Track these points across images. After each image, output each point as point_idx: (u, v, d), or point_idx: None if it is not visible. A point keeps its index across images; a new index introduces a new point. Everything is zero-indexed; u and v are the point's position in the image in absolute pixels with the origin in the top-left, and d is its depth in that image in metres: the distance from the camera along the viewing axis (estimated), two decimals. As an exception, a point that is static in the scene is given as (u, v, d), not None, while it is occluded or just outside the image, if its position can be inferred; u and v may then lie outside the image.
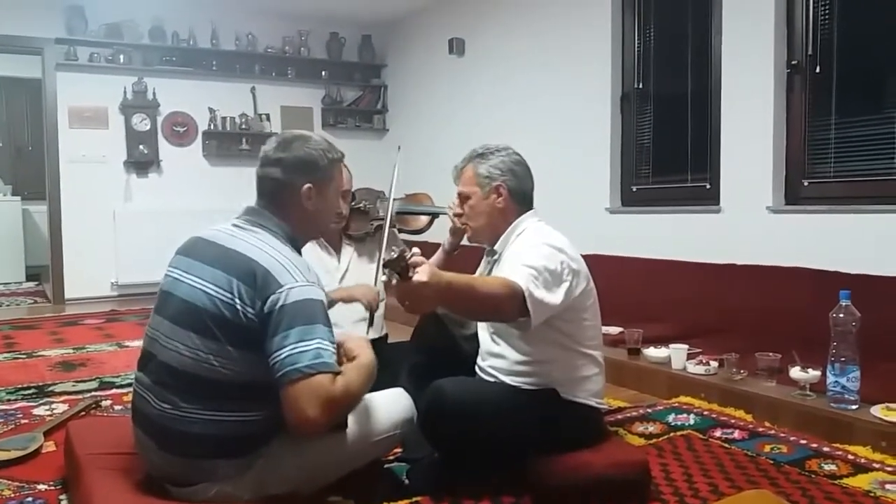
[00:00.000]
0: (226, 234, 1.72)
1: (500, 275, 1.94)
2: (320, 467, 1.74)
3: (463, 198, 2.22)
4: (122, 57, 6.07)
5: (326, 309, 1.62)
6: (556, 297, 1.90)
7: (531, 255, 1.94)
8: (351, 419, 1.76)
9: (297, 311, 1.55)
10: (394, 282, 1.67)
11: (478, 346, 2.23)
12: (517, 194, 2.18)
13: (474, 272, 2.39)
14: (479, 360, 2.21)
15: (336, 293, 2.47)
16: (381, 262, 1.66)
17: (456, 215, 2.28)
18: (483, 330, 2.21)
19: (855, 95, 3.30)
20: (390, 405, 1.91)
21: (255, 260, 1.61)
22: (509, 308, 1.84)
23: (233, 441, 1.61)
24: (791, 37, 3.46)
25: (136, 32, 6.16)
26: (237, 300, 1.58)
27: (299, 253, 1.76)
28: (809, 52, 3.39)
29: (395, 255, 1.62)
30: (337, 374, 1.53)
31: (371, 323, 2.49)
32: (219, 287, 1.60)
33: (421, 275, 1.65)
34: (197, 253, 1.71)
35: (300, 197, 1.77)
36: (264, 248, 1.66)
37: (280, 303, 1.55)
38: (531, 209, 2.22)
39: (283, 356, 1.50)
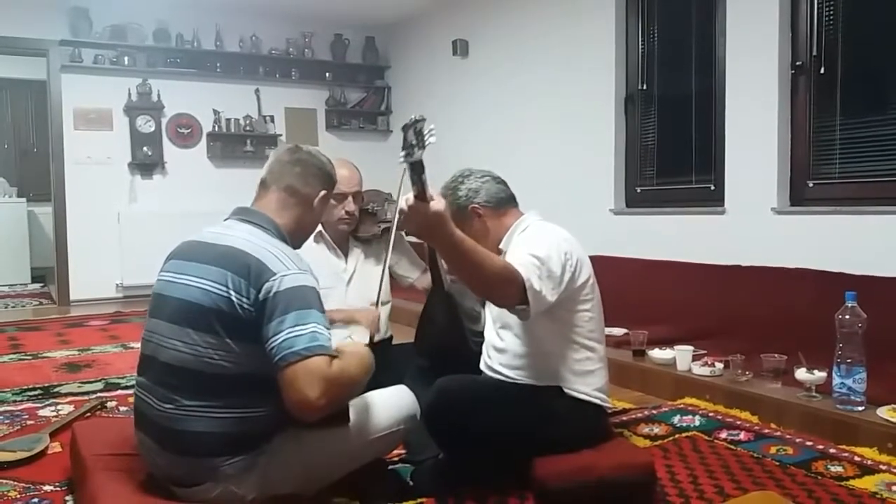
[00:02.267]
0: (216, 234, 1.74)
1: (511, 258, 1.94)
2: (323, 464, 1.75)
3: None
4: (126, 59, 6.08)
5: (320, 296, 1.63)
6: (555, 289, 1.91)
7: (536, 245, 1.96)
8: (353, 415, 1.76)
9: (291, 297, 1.57)
10: (409, 196, 1.62)
11: (482, 345, 2.24)
12: (491, 203, 2.18)
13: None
14: (484, 359, 2.21)
15: (336, 314, 2.45)
16: (402, 127, 1.55)
17: None
18: (489, 325, 2.22)
19: (860, 96, 3.30)
20: (392, 401, 1.91)
21: (248, 252, 1.63)
22: (506, 291, 1.82)
23: (235, 438, 1.62)
24: (795, 38, 3.45)
25: (141, 34, 6.18)
26: (232, 293, 1.59)
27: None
28: (814, 53, 3.39)
29: (414, 119, 1.53)
30: (333, 357, 1.55)
31: (371, 343, 2.46)
32: (213, 282, 1.61)
33: (438, 204, 1.64)
34: (188, 254, 1.73)
35: (312, 200, 1.85)
36: (255, 241, 1.68)
37: (274, 290, 1.57)
38: (516, 205, 2.23)
39: (279, 340, 1.52)
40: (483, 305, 2.33)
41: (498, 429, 1.98)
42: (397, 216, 2.56)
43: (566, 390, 2.05)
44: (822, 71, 3.35)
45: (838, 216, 3.21)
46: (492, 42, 5.60)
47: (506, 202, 2.21)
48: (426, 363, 2.29)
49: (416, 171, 1.58)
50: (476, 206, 2.17)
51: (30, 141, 8.64)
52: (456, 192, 2.18)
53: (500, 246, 2.17)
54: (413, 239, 2.81)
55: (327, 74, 6.92)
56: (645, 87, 4.35)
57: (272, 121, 6.62)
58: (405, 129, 1.55)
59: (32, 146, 8.59)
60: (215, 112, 6.41)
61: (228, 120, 6.46)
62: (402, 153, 1.56)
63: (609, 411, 2.26)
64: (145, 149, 6.17)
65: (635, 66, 4.41)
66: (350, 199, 2.55)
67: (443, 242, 1.72)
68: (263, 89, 6.60)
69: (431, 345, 2.35)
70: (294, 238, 1.83)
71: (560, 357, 2.06)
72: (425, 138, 1.55)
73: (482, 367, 2.22)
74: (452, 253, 1.74)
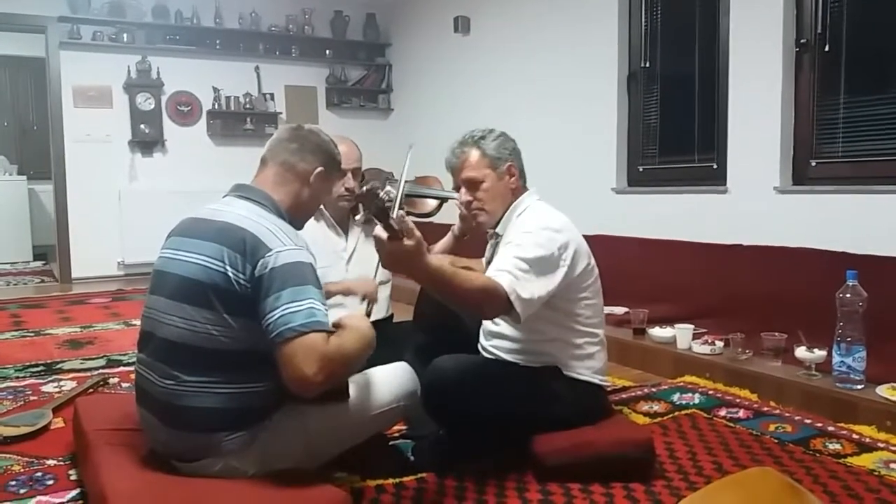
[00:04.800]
0: (214, 210, 1.73)
1: (498, 263, 1.94)
2: (324, 439, 1.75)
3: (473, 183, 2.13)
4: (125, 35, 6.04)
5: (316, 272, 1.63)
6: (547, 286, 1.91)
7: (525, 244, 1.94)
8: (353, 391, 1.77)
9: (287, 273, 1.56)
10: (382, 233, 1.63)
11: (480, 323, 2.24)
12: (522, 174, 2.19)
13: (482, 256, 2.39)
14: (481, 340, 2.22)
15: (333, 286, 2.46)
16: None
17: (463, 203, 2.19)
18: None
19: (864, 75, 3.27)
20: (392, 378, 1.92)
21: (244, 228, 1.63)
22: (489, 310, 1.87)
23: (236, 413, 1.62)
24: (800, 15, 3.41)
25: (139, 11, 6.13)
26: (229, 268, 1.59)
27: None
28: (819, 31, 3.35)
29: (367, 189, 1.60)
30: (330, 333, 1.55)
31: (369, 314, 2.47)
32: (210, 257, 1.61)
33: (410, 241, 1.63)
34: (186, 231, 1.73)
35: (309, 176, 1.82)
36: (252, 217, 1.67)
37: (270, 266, 1.57)
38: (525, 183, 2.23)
39: (276, 317, 1.52)
40: None
41: (496, 409, 1.98)
42: (398, 201, 2.57)
43: (565, 372, 2.05)
44: (826, 49, 3.31)
45: (841, 195, 3.19)
46: (493, 19, 5.55)
47: (525, 182, 2.22)
48: (425, 340, 2.30)
49: (381, 218, 1.59)
50: (513, 164, 2.16)
51: (29, 119, 8.60)
52: (493, 140, 2.16)
53: (497, 230, 2.16)
54: (414, 219, 2.82)
55: (327, 52, 6.86)
56: (648, 64, 4.31)
57: (272, 98, 6.59)
58: (360, 199, 1.61)
59: (32, 124, 8.56)
60: (215, 90, 6.37)
61: (228, 98, 6.42)
62: (364, 212, 1.63)
63: (608, 389, 2.26)
64: (145, 127, 6.14)
65: (638, 44, 4.37)
66: (349, 175, 2.54)
67: (419, 277, 1.73)
68: (263, 67, 6.56)
69: (430, 322, 2.35)
70: (294, 216, 1.82)
71: (558, 343, 2.06)
72: (384, 200, 1.59)
73: (480, 347, 2.22)
74: (431, 283, 1.76)
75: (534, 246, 1.92)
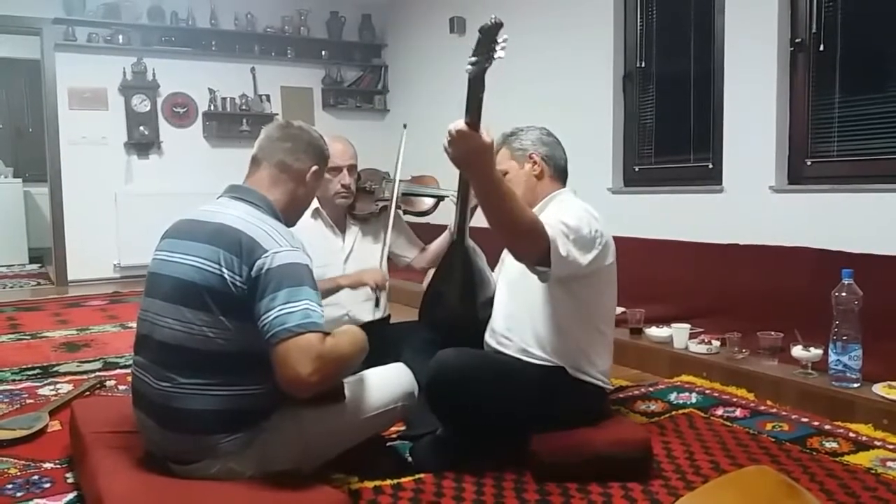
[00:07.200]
0: (208, 212, 1.73)
1: (544, 219, 1.94)
2: (321, 441, 1.75)
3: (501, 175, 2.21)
4: (120, 37, 6.03)
5: (312, 273, 1.63)
6: (580, 258, 1.91)
7: (568, 215, 1.96)
8: (349, 392, 1.77)
9: (283, 274, 1.56)
10: (461, 125, 1.58)
11: (489, 316, 2.23)
12: (550, 161, 2.21)
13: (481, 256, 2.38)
14: (489, 329, 2.21)
15: (343, 279, 2.48)
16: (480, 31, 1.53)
17: None
18: (502, 288, 2.22)
19: (859, 74, 3.28)
20: (389, 379, 1.92)
21: (240, 230, 1.63)
22: (530, 244, 1.83)
23: (233, 415, 1.62)
24: (794, 14, 3.43)
25: (135, 12, 6.12)
26: (225, 270, 1.59)
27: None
28: (813, 30, 3.36)
29: (494, 22, 1.49)
30: (326, 334, 1.55)
31: (378, 304, 2.50)
32: (205, 259, 1.61)
33: (487, 137, 1.64)
34: (181, 233, 1.73)
35: (304, 175, 1.83)
36: (247, 218, 1.67)
37: (266, 267, 1.57)
38: (564, 183, 2.25)
39: (271, 317, 1.52)
40: (501, 259, 2.32)
41: (497, 403, 1.98)
42: (395, 198, 2.59)
43: (570, 371, 2.05)
44: (821, 48, 3.32)
45: (836, 194, 3.20)
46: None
47: (561, 172, 2.24)
48: (430, 335, 2.27)
49: (475, 89, 1.53)
50: (535, 153, 2.19)
51: (25, 121, 8.58)
52: (522, 135, 2.21)
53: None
54: (411, 219, 2.83)
55: (323, 53, 6.86)
56: (643, 65, 4.32)
57: (268, 100, 6.58)
58: (482, 30, 1.50)
59: (27, 126, 8.54)
60: (211, 91, 6.36)
61: (224, 99, 6.42)
62: (472, 59, 1.52)
63: (609, 391, 2.27)
64: (141, 128, 6.13)
65: (634, 44, 4.38)
66: (345, 172, 2.55)
67: (483, 177, 1.71)
68: (259, 68, 6.55)
69: (441, 320, 2.33)
70: (288, 215, 1.82)
71: (571, 337, 2.05)
72: (496, 49, 1.52)
73: (486, 337, 2.22)
74: (490, 190, 1.73)
75: (576, 219, 1.94)
